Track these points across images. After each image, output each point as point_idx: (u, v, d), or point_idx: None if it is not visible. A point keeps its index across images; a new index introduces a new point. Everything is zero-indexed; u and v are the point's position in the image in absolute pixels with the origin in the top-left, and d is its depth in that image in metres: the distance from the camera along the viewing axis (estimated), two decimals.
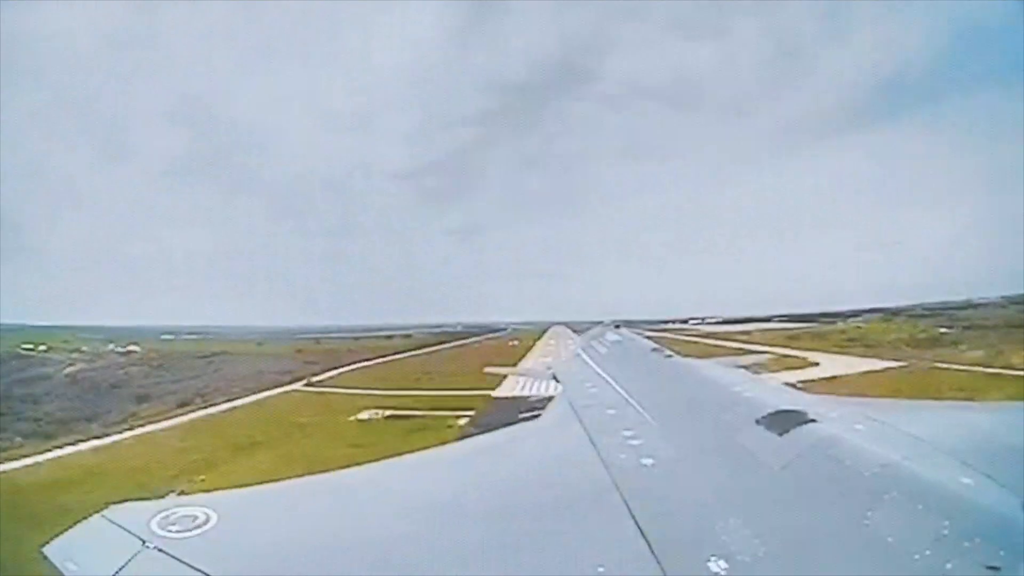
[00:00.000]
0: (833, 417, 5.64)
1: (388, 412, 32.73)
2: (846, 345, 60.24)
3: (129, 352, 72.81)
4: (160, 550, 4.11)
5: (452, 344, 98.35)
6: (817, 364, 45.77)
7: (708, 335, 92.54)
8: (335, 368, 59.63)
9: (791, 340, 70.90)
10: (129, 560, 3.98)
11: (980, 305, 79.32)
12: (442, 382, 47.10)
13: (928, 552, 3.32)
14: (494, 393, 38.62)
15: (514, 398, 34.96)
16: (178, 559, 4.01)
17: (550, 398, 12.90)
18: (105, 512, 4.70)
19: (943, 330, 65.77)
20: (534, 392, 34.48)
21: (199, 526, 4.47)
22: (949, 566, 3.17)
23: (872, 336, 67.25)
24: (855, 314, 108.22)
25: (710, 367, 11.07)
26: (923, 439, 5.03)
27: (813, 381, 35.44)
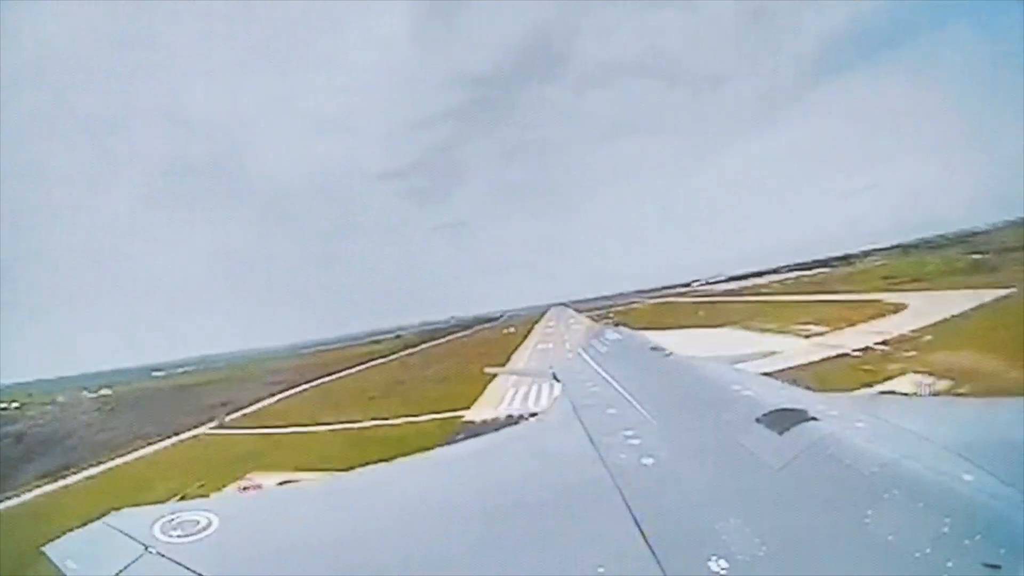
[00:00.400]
0: (833, 415, 5.37)
1: (281, 479, 20.79)
2: (889, 282, 53.58)
3: (100, 397, 71.90)
4: (162, 555, 4.00)
5: (437, 341, 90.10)
6: (905, 306, 36.94)
7: (728, 293, 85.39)
8: (295, 387, 52.17)
9: (818, 285, 64.75)
10: (131, 563, 3.88)
11: (986, 232, 76.82)
12: (405, 401, 36.59)
13: (928, 550, 3.22)
14: (469, 414, 28.19)
15: (496, 422, 24.38)
16: (179, 563, 3.88)
17: None
18: (107, 518, 4.50)
19: (976, 256, 61.14)
20: (527, 407, 26.03)
21: (201, 530, 4.31)
22: (950, 564, 3.10)
23: (906, 271, 61.62)
24: (866, 254, 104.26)
25: (710, 365, 10.08)
26: (923, 436, 4.91)
27: (938, 326, 26.81)
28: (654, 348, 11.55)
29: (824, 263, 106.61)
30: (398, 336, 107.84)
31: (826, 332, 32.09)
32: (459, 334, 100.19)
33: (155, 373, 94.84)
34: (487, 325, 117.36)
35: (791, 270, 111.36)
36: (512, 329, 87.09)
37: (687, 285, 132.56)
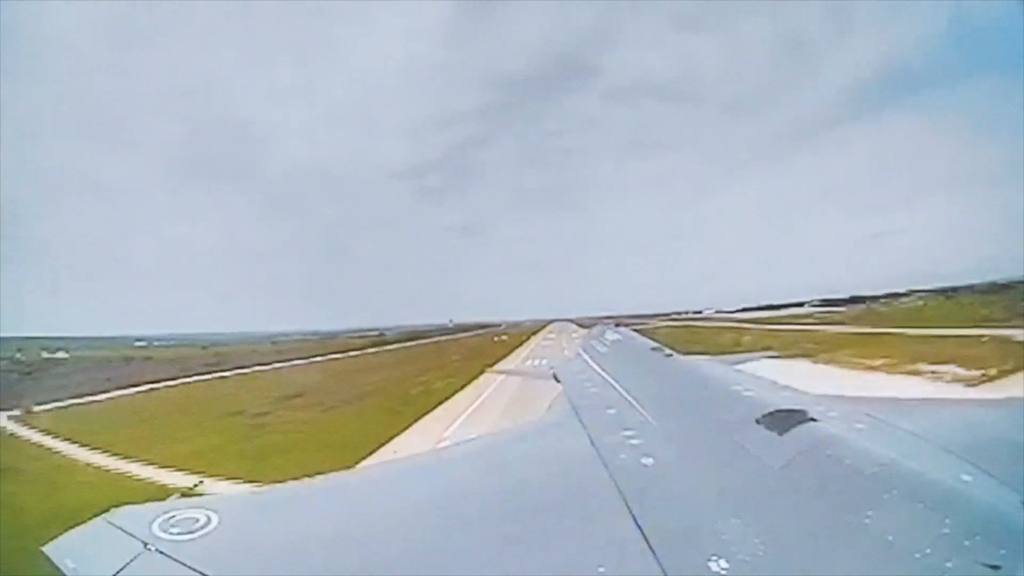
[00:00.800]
0: (833, 416, 5.28)
1: None
2: (953, 324, 45.77)
3: (51, 359, 70.39)
4: (161, 552, 3.88)
5: (412, 343, 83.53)
6: None
7: (754, 321, 77.68)
8: (187, 377, 45.07)
9: (857, 321, 57.38)
10: (129, 562, 3.74)
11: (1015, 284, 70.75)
12: (275, 430, 23.58)
13: (928, 551, 3.16)
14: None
15: None
16: (179, 561, 3.76)
17: None
18: (106, 515, 4.38)
19: None
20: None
21: (201, 528, 4.17)
22: (949, 565, 3.04)
23: (959, 313, 55.19)
24: (896, 295, 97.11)
25: (710, 366, 10.01)
26: (924, 437, 4.81)
27: None
28: (654, 348, 11.26)
29: (850, 300, 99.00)
30: (382, 334, 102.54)
31: (993, 379, 20.95)
32: (443, 337, 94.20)
33: (137, 343, 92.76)
34: (483, 331, 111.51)
35: (815, 305, 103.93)
36: (505, 338, 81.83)
37: (699, 312, 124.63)
